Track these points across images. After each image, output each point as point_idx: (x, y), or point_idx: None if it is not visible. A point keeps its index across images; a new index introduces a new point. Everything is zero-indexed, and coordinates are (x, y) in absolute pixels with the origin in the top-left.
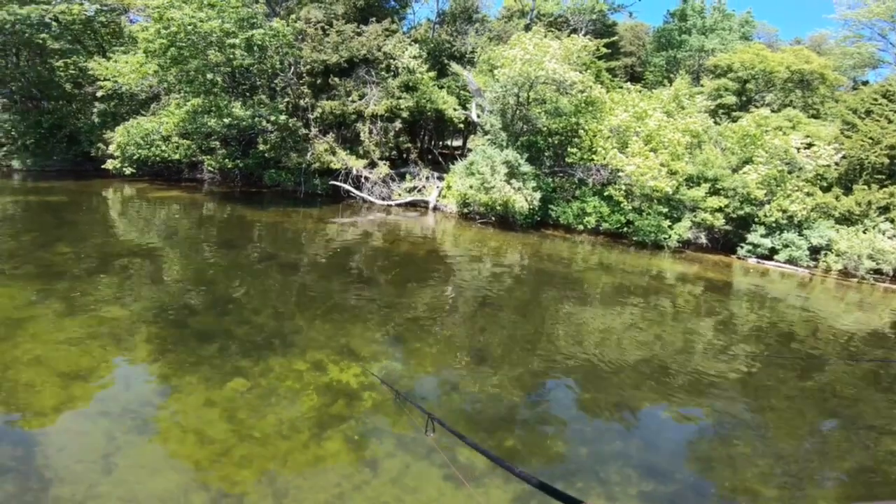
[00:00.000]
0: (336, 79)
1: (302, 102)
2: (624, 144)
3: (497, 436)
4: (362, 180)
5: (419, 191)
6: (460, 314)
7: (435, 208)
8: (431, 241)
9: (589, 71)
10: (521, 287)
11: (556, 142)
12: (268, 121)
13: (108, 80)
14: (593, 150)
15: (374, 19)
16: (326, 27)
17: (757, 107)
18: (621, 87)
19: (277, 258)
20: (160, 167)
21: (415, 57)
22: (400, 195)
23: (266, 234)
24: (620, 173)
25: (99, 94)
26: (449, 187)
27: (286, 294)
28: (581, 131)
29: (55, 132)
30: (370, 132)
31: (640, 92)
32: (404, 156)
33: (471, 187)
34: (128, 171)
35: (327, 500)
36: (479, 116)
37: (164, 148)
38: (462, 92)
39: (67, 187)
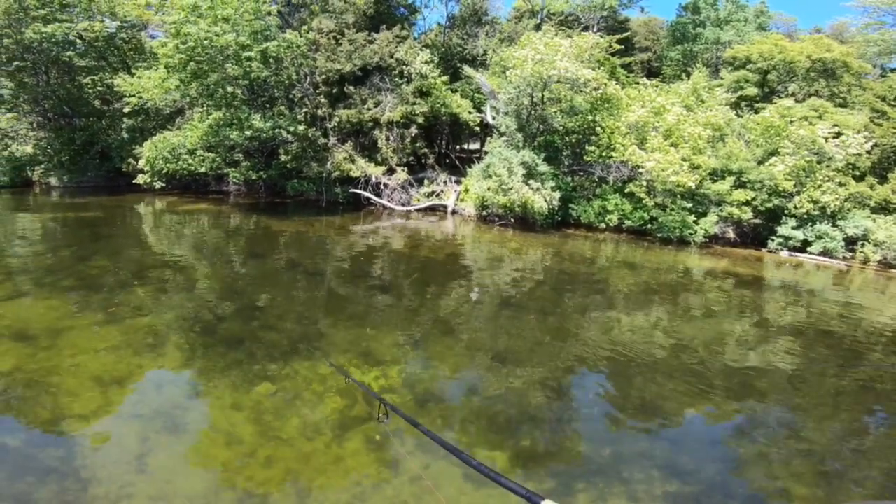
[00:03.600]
0: (351, 87)
1: (319, 112)
2: (643, 140)
3: (517, 436)
4: (381, 187)
5: (437, 195)
6: (482, 316)
7: (454, 212)
8: (451, 244)
9: (603, 68)
10: (544, 287)
11: (573, 140)
12: (287, 131)
13: (134, 95)
14: (612, 147)
15: (384, 27)
16: (339, 36)
17: (780, 97)
18: (637, 83)
19: (302, 266)
20: (188, 180)
21: (427, 62)
22: (419, 200)
23: (291, 242)
24: (641, 169)
25: (126, 109)
26: (467, 190)
27: (311, 300)
28: (598, 129)
29: (88, 148)
30: (387, 139)
31: (657, 87)
32: (422, 161)
33: (488, 189)
34: (157, 184)
35: (348, 499)
36: (494, 118)
37: (190, 161)
38: (476, 95)
39: (102, 202)
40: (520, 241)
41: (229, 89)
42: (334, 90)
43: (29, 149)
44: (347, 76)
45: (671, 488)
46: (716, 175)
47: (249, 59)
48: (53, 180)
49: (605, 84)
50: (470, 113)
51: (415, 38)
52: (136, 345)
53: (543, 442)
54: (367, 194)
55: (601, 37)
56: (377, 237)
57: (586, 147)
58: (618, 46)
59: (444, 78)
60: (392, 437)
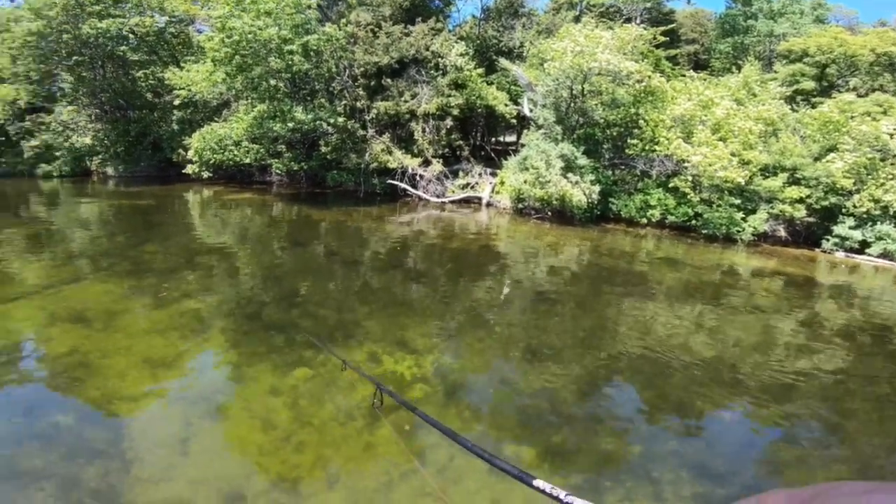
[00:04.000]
0: (388, 79)
1: (358, 104)
2: (689, 134)
3: (546, 431)
4: (417, 178)
5: (472, 187)
6: (515, 309)
7: (488, 204)
8: (485, 236)
9: (647, 60)
10: (580, 282)
11: (614, 133)
12: (328, 123)
13: (183, 88)
14: (655, 140)
15: (419, 19)
16: (376, 29)
17: (840, 92)
18: (683, 76)
19: (340, 255)
20: (234, 170)
21: (462, 54)
22: (453, 192)
23: (330, 231)
24: (686, 164)
25: (176, 102)
26: (502, 183)
27: (348, 289)
28: (641, 122)
29: (141, 140)
30: (423, 131)
31: (704, 80)
32: (457, 153)
33: (525, 182)
34: (205, 174)
35: (375, 486)
36: (531, 111)
37: (235, 152)
38: (513, 87)
39: (154, 191)
40: (556, 234)
41: (272, 82)
42: (372, 82)
43: (88, 140)
44: (385, 69)
45: (701, 489)
46: (767, 171)
47: (291, 52)
48: (110, 170)
49: (649, 76)
50: (506, 105)
51: (450, 31)
52: (183, 328)
53: (573, 438)
54: (403, 185)
55: (644, 28)
56: (412, 228)
57: (628, 140)
58: (662, 38)
59: (480, 70)
60: (421, 428)
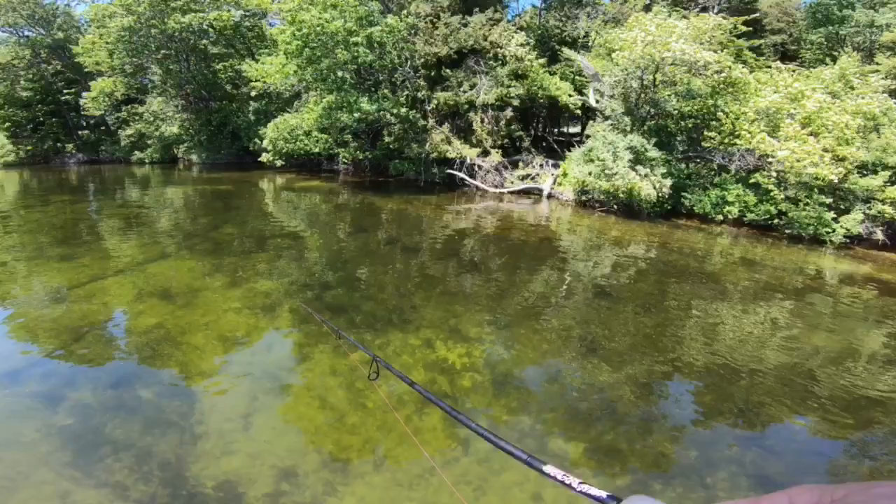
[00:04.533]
0: (448, 70)
1: (419, 95)
2: (775, 128)
3: (597, 428)
4: (476, 168)
5: (532, 178)
6: (573, 304)
7: (549, 196)
8: (545, 228)
9: (727, 51)
10: (645, 280)
11: (689, 125)
12: (391, 114)
13: (258, 80)
14: (736, 133)
15: (477, 9)
16: (435, 20)
17: None
18: (769, 67)
19: (400, 242)
20: (304, 159)
21: (522, 45)
22: (512, 183)
23: (391, 219)
24: (770, 159)
25: (252, 93)
26: (565, 174)
27: (406, 275)
28: (720, 114)
29: (222, 129)
30: (482, 121)
31: (793, 72)
32: (517, 143)
33: (589, 174)
34: (278, 163)
35: (419, 472)
36: (597, 101)
37: (306, 142)
38: (577, 77)
39: (232, 178)
40: (622, 229)
41: (339, 74)
42: (432, 73)
43: (175, 129)
44: (444, 59)
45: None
46: (866, 169)
47: (356, 44)
48: (194, 157)
49: (730, 67)
50: (570, 96)
51: (508, 21)
52: (255, 307)
53: (625, 438)
54: (462, 175)
55: (723, 17)
56: (470, 218)
57: (704, 133)
58: (744, 28)
59: (542, 61)
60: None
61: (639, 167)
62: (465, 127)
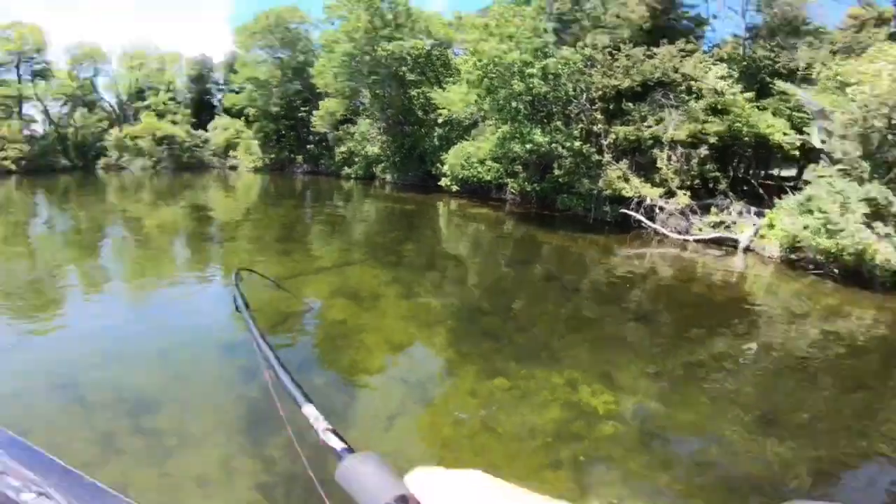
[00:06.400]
0: (629, 103)
1: (595, 128)
2: None
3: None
4: (656, 210)
5: (727, 227)
6: (756, 371)
7: (747, 249)
8: (735, 286)
9: None
10: (860, 358)
11: None
12: (563, 146)
13: (444, 108)
14: None
15: (664, 40)
16: (614, 52)
17: None
18: None
19: (560, 279)
20: (476, 186)
21: (722, 77)
22: (700, 230)
23: (553, 255)
24: None
25: (440, 120)
26: (771, 226)
27: (562, 313)
28: None
29: (412, 152)
30: (668, 159)
31: None
32: (709, 186)
33: (805, 228)
34: (454, 188)
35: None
36: (823, 142)
37: (479, 170)
38: (795, 114)
39: (416, 198)
40: (841, 297)
41: (514, 104)
42: (611, 106)
43: (376, 149)
44: (625, 92)
45: None
46: None
47: (531, 75)
48: (388, 177)
49: None
50: (785, 134)
51: (704, 52)
52: (419, 320)
53: None
54: (638, 217)
55: None
56: (642, 263)
57: None
58: None
59: (748, 95)
60: (589, 465)
61: (877, 224)
62: (647, 164)
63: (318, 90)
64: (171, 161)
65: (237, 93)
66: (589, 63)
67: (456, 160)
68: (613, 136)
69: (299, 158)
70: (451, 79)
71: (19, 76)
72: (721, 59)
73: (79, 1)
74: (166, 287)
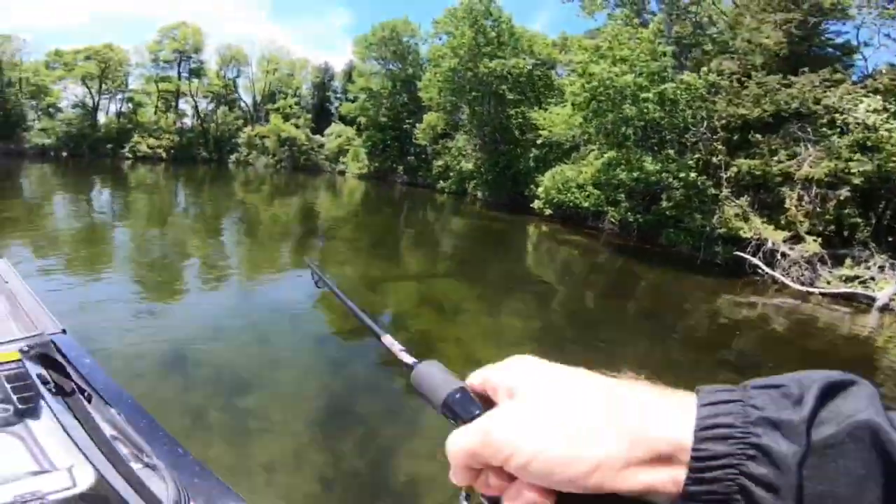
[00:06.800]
0: (757, 135)
1: (714, 160)
2: None
3: None
4: (777, 256)
5: (863, 282)
6: None
7: (885, 308)
8: (864, 346)
9: None
10: None
11: None
12: (675, 177)
13: (544, 129)
14: None
15: (805, 69)
16: (743, 79)
17: None
18: None
19: (655, 318)
20: (571, 212)
21: (875, 110)
22: (828, 283)
23: (650, 292)
24: None
25: (539, 141)
26: None
27: (651, 351)
28: None
29: (505, 171)
30: (799, 199)
31: None
32: (847, 233)
33: None
34: (547, 211)
35: None
36: None
37: (577, 195)
38: None
39: (506, 218)
40: None
41: (623, 129)
42: (735, 137)
43: (470, 166)
44: (753, 122)
45: None
46: None
47: (646, 99)
48: (479, 193)
49: None
50: None
51: (854, 82)
52: (501, 338)
53: None
54: (755, 261)
55: None
56: (752, 311)
57: None
58: None
59: None
60: None
61: None
62: (772, 203)
63: (422, 103)
64: (289, 161)
65: (352, 101)
66: (713, 90)
67: (552, 183)
68: (735, 169)
69: (400, 169)
70: (553, 99)
71: (179, 73)
72: (874, 91)
73: (224, 3)
74: (272, 275)
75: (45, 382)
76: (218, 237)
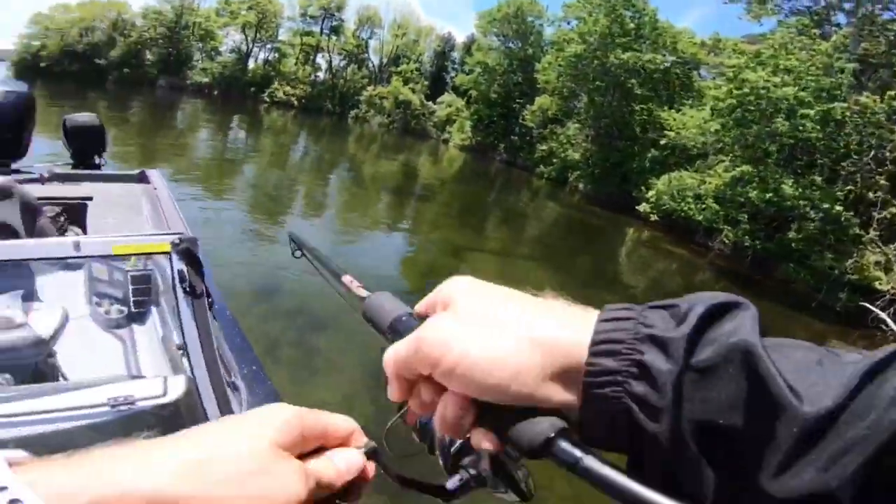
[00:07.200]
0: None
1: (870, 195)
2: None
3: None
4: None
5: None
6: None
7: None
8: None
9: None
10: None
11: None
12: (815, 207)
13: (672, 130)
14: None
15: None
16: None
17: None
18: None
19: None
20: (680, 222)
21: None
22: None
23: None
24: None
25: (662, 142)
26: None
27: None
28: None
29: (616, 169)
30: None
31: None
32: None
33: None
34: (653, 217)
35: None
36: None
37: (691, 206)
38: None
39: (604, 215)
40: None
41: (766, 144)
42: None
43: (577, 156)
44: None
45: None
46: None
47: (805, 116)
48: (581, 185)
49: None
50: None
51: None
52: None
53: None
54: (883, 315)
55: None
56: None
57: None
58: None
59: None
60: None
61: None
62: None
63: (537, 85)
64: (401, 123)
65: (467, 74)
66: (894, 117)
67: (666, 188)
68: (894, 210)
69: (501, 147)
70: (689, 102)
71: (322, 29)
72: None
73: None
74: (367, 225)
75: (182, 280)
76: (326, 182)
